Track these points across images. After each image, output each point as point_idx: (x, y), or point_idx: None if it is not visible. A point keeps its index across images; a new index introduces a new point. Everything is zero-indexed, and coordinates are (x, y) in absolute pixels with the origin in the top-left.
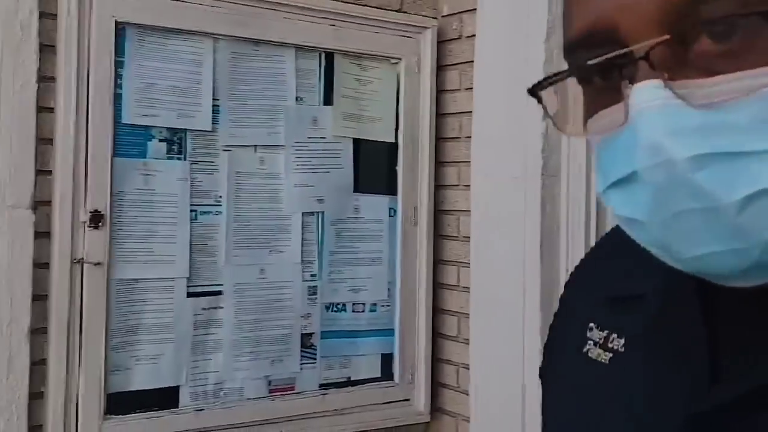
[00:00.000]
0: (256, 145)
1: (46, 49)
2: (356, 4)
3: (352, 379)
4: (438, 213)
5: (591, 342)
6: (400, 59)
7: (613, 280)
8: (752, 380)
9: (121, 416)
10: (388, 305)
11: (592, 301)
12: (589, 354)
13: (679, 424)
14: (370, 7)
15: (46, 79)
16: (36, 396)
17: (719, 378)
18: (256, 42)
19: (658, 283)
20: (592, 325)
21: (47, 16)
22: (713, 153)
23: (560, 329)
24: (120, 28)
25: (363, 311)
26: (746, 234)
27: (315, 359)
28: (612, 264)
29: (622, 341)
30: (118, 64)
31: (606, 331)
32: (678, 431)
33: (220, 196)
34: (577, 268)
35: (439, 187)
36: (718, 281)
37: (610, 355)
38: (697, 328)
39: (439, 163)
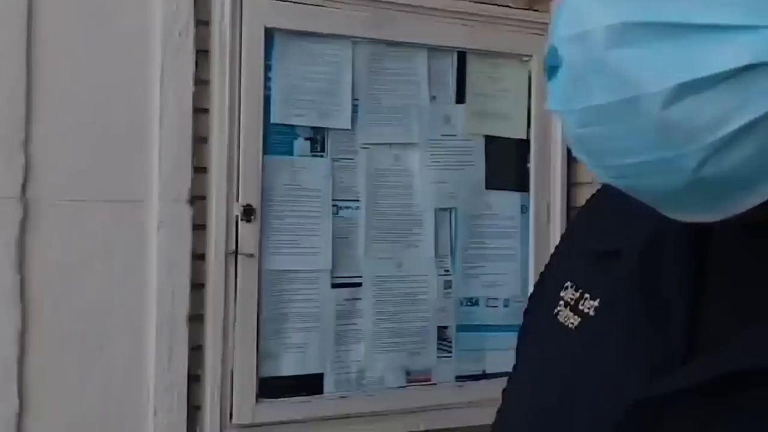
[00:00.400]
0: (391, 143)
1: (202, 54)
2: (488, 3)
3: (487, 372)
4: (572, 210)
5: (562, 303)
6: (531, 57)
7: (599, 229)
8: (725, 363)
9: (271, 400)
10: (521, 301)
11: (575, 253)
12: (558, 317)
13: (622, 411)
14: (501, 6)
15: (201, 83)
16: (194, 379)
17: (696, 355)
18: (392, 43)
19: (644, 236)
20: (568, 283)
21: (202, 23)
22: (643, 23)
23: (540, 287)
24: (269, 34)
25: (497, 306)
26: (676, 137)
27: (451, 352)
28: (606, 208)
29: (595, 303)
30: (267, 68)
31: (580, 291)
32: (620, 419)
33: (359, 192)
34: (578, 213)
35: (572, 184)
36: (661, 208)
37: (579, 319)
38: (679, 288)
39: (572, 160)
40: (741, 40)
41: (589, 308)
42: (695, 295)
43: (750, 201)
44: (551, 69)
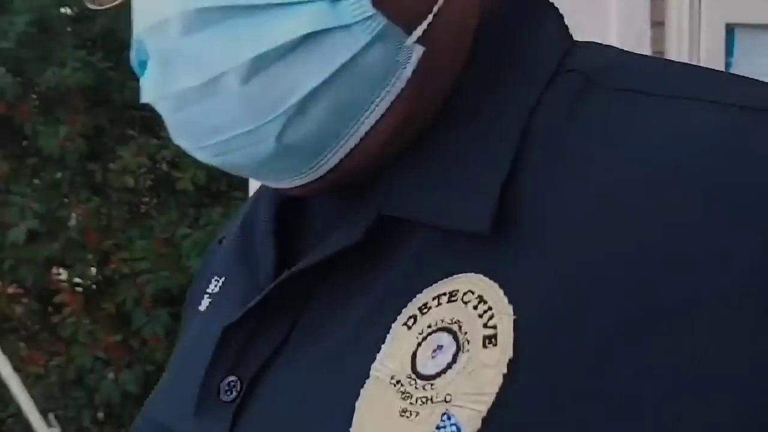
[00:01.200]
0: None
1: (656, 54)
2: None
3: None
4: None
5: (207, 295)
6: None
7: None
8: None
9: None
10: None
11: (218, 250)
12: (200, 307)
13: (212, 350)
14: None
15: None
16: None
17: None
18: None
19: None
20: (215, 277)
21: (656, 24)
22: (217, 7)
23: (189, 295)
24: (729, 30)
25: None
26: (259, 109)
27: None
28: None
29: (220, 282)
30: (727, 65)
31: (216, 278)
32: (213, 356)
33: None
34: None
35: None
36: (260, 179)
37: (209, 300)
38: (266, 241)
39: None
40: (301, 11)
41: (215, 287)
42: (284, 246)
43: (325, 165)
44: (141, 63)
